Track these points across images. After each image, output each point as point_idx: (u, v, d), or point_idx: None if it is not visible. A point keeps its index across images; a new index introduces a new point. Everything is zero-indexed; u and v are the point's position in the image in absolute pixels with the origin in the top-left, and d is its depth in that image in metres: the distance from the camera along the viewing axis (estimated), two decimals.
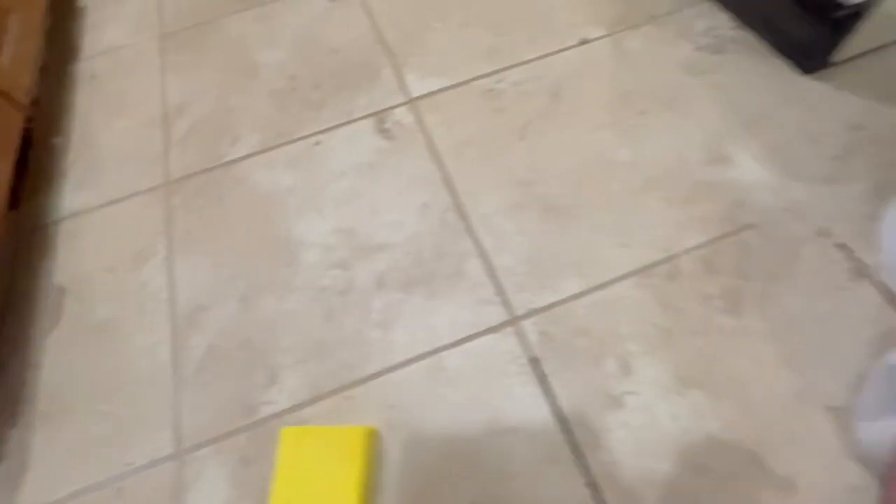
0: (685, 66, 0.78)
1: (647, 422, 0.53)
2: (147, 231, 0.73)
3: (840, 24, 0.68)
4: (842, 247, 0.61)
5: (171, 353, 0.63)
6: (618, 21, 0.84)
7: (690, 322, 0.58)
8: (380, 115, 0.80)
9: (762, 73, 0.76)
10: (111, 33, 0.98)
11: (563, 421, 0.54)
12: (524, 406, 0.55)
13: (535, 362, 0.58)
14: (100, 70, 0.93)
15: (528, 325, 0.60)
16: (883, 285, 0.57)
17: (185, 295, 0.67)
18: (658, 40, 0.81)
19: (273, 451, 0.54)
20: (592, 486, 0.51)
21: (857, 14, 0.66)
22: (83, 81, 0.91)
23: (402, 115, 0.80)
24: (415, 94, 0.81)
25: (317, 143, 0.79)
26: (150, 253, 0.71)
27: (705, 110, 0.73)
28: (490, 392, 0.57)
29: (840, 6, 0.65)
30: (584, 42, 0.83)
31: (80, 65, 0.94)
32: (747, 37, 0.79)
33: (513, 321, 0.61)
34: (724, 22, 0.81)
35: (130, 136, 0.84)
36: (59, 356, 0.64)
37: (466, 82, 0.81)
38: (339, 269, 0.67)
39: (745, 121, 0.72)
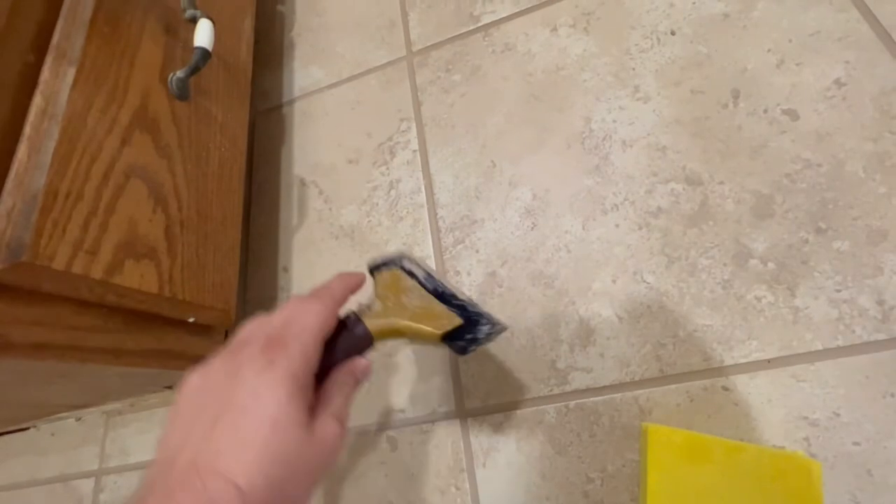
0: None
1: None
2: (390, 115, 0.57)
3: None
4: None
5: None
6: None
7: None
8: None
9: None
10: None
11: None
12: None
13: None
14: None
15: None
16: None
17: (446, 204, 0.50)
18: None
19: (591, 437, 0.37)
20: None
21: None
22: None
23: None
24: None
25: None
26: (398, 144, 0.55)
27: None
28: None
29: None
30: None
31: None
32: None
33: None
34: None
35: None
36: (309, 261, 0.54)
37: None
38: (679, 182, 0.43)
39: None
